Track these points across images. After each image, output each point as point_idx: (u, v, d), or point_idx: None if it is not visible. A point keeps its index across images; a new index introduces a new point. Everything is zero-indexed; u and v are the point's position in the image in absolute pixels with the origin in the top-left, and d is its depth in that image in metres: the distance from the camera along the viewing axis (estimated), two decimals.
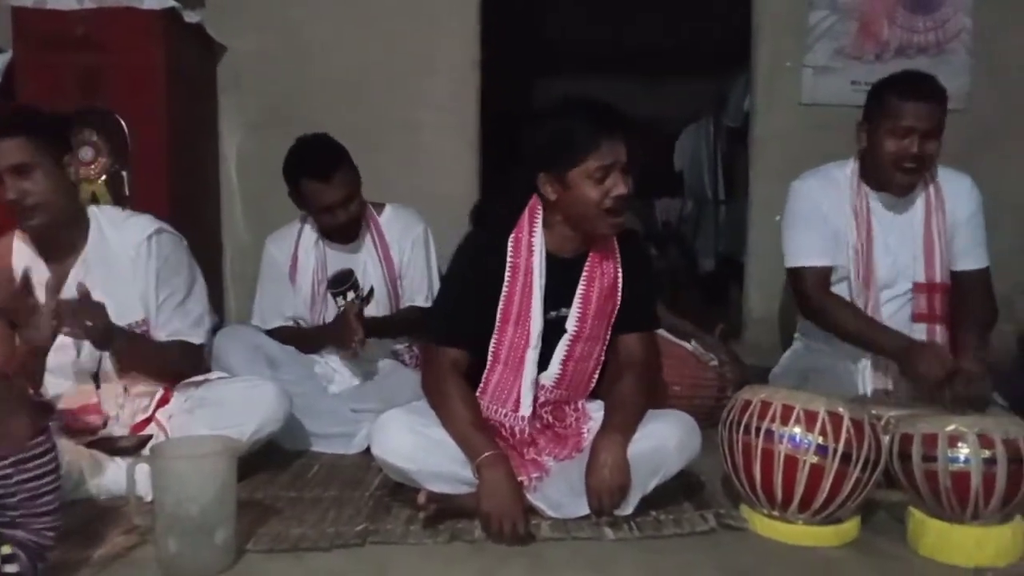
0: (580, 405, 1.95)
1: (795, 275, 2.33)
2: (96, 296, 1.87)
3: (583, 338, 1.89)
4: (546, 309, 1.86)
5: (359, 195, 2.48)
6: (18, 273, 1.91)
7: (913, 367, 2.13)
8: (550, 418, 1.92)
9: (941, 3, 3.19)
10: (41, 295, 1.79)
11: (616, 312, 1.92)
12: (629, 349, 1.94)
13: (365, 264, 2.52)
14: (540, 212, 1.88)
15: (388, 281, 2.52)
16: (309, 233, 2.54)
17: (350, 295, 2.41)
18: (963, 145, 2.95)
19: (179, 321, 2.04)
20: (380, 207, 2.60)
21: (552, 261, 1.88)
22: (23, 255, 1.97)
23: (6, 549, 1.36)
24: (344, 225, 2.47)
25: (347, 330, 2.31)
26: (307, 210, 2.50)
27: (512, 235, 1.88)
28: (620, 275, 1.91)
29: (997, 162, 3.18)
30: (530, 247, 1.86)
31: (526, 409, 1.87)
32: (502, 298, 1.86)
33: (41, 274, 1.93)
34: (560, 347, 1.89)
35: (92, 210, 2.04)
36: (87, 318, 1.80)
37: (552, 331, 1.88)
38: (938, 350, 2.17)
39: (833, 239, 2.28)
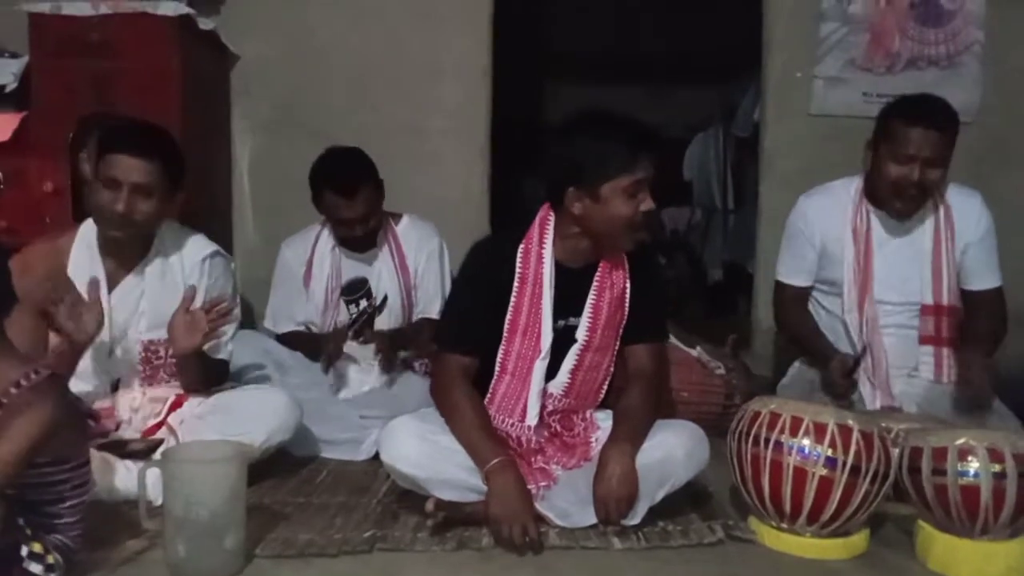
0: (588, 414, 1.95)
1: (776, 287, 2.48)
2: (143, 304, 1.99)
3: (593, 348, 1.90)
4: (555, 318, 1.87)
5: (380, 211, 2.50)
6: (73, 273, 1.95)
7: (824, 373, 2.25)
8: (558, 427, 1.92)
9: (953, 16, 3.19)
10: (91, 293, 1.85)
11: (624, 322, 1.92)
12: (638, 360, 1.94)
13: (380, 273, 2.54)
14: (552, 222, 1.88)
15: (403, 291, 2.53)
16: (326, 240, 2.56)
17: (363, 303, 2.42)
18: (974, 157, 2.95)
19: (214, 340, 2.07)
20: (397, 217, 2.61)
21: (560, 271, 1.88)
22: (84, 248, 2.00)
23: (51, 559, 1.39)
24: (360, 238, 2.49)
25: (333, 339, 2.38)
26: (326, 217, 2.51)
27: (521, 245, 1.88)
28: (629, 285, 1.91)
29: (1008, 174, 3.17)
30: (540, 257, 1.87)
31: (532, 419, 1.87)
32: (510, 308, 1.86)
33: (96, 272, 1.97)
34: (570, 357, 1.89)
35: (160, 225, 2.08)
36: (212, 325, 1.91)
37: (561, 340, 1.88)
38: (844, 359, 2.22)
39: (817, 261, 2.36)
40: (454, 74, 3.25)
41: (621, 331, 1.93)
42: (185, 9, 2.81)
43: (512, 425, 1.88)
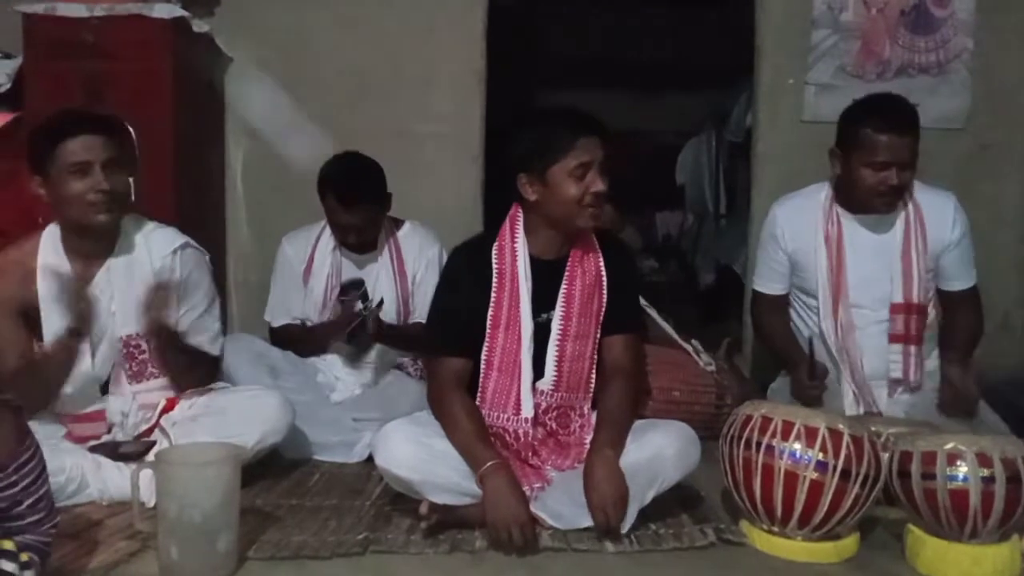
0: (585, 411, 1.95)
1: (752, 296, 2.53)
2: (114, 303, 1.95)
3: (571, 336, 1.92)
4: (535, 312, 1.90)
5: (378, 225, 2.52)
6: (40, 274, 1.94)
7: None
8: (554, 425, 1.93)
9: (942, 24, 3.22)
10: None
11: (603, 312, 1.95)
12: (614, 353, 1.96)
13: (379, 276, 2.54)
14: (521, 218, 1.95)
15: (400, 296, 2.54)
16: (328, 239, 2.57)
17: (358, 305, 2.43)
18: (962, 163, 2.98)
19: (198, 335, 2.07)
20: (399, 223, 2.62)
21: (536, 264, 1.93)
22: (48, 253, 1.98)
23: (24, 556, 1.37)
24: (352, 244, 2.51)
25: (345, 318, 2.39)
26: (325, 213, 2.52)
27: (495, 243, 1.94)
28: (603, 273, 1.95)
29: (995, 180, 3.20)
30: (514, 252, 1.92)
31: (528, 411, 1.89)
32: (491, 304, 1.90)
33: (64, 273, 1.96)
34: (551, 349, 1.92)
35: (124, 219, 2.06)
36: (167, 303, 1.92)
37: (543, 336, 1.91)
38: (816, 368, 2.24)
39: (791, 267, 2.38)
40: (448, 80, 3.25)
41: (600, 319, 1.95)
42: (179, 11, 2.81)
43: (508, 420, 1.90)
